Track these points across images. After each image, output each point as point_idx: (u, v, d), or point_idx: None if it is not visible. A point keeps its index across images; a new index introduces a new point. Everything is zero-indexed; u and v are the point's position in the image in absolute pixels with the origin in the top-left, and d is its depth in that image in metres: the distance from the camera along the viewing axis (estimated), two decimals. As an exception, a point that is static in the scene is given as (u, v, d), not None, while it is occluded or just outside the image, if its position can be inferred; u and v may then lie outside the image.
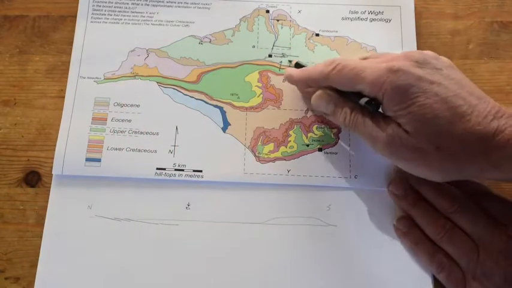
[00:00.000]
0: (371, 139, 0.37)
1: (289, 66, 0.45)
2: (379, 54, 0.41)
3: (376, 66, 0.36)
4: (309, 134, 0.44)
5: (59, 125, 0.44)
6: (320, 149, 0.43)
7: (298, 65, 0.44)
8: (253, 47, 0.47)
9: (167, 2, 0.48)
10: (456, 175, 0.35)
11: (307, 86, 0.42)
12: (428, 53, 0.37)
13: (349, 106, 0.38)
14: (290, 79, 0.43)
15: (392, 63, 0.35)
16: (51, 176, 0.42)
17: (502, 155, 0.33)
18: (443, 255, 0.38)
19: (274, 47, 0.47)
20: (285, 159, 0.43)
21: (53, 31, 0.47)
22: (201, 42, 0.47)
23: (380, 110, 0.37)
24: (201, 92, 0.45)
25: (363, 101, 0.37)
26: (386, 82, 0.35)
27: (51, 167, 0.42)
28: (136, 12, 0.48)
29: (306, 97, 0.44)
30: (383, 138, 0.36)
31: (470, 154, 0.33)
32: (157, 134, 0.43)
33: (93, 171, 0.42)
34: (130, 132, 0.44)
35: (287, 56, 0.46)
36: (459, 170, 0.34)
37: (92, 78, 0.45)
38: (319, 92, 0.40)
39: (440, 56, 0.37)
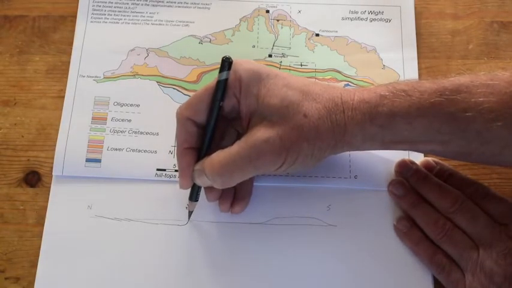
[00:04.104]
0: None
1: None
2: None
3: None
4: (309, 134, 0.43)
5: (59, 125, 0.44)
6: (320, 149, 0.43)
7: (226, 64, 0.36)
8: (253, 47, 0.47)
9: (167, 2, 0.48)
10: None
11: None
12: None
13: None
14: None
15: None
16: (51, 176, 0.42)
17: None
18: (443, 255, 0.38)
19: (274, 47, 0.47)
20: (285, 159, 0.43)
21: (53, 31, 0.47)
22: (201, 42, 0.47)
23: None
24: (201, 92, 0.45)
25: (218, 76, 0.36)
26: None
27: (51, 167, 0.42)
28: (136, 12, 0.48)
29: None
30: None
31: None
32: (157, 134, 0.43)
33: (93, 172, 0.42)
34: (130, 132, 0.44)
35: (287, 56, 0.46)
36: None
37: (92, 77, 0.45)
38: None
39: None
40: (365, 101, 0.35)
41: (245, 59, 0.37)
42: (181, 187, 0.38)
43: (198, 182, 0.37)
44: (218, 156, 0.35)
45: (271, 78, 0.35)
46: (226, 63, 0.36)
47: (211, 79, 0.45)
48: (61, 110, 0.44)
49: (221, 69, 0.36)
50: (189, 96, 0.45)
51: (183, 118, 0.36)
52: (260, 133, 0.34)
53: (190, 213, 0.40)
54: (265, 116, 0.35)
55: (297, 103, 0.34)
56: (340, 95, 0.35)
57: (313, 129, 0.34)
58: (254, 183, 0.41)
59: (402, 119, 0.34)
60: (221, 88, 0.36)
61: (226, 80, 0.36)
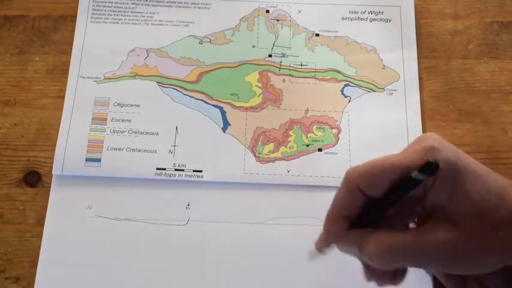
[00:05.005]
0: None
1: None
2: None
3: None
4: (309, 134, 0.44)
5: (59, 125, 0.44)
6: (320, 149, 0.43)
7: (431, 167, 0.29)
8: (253, 47, 0.47)
9: (167, 2, 0.48)
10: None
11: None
12: None
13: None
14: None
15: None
16: (51, 176, 0.42)
17: None
18: (444, 256, 0.38)
19: (274, 47, 0.47)
20: (284, 160, 0.43)
21: (53, 31, 0.47)
22: (201, 42, 0.47)
23: None
24: (201, 92, 0.45)
25: (415, 173, 0.29)
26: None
27: (51, 167, 0.42)
28: (136, 12, 0.48)
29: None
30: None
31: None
32: (157, 134, 0.43)
33: (93, 172, 0.42)
34: (130, 132, 0.44)
35: (287, 56, 0.46)
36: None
37: (92, 78, 0.45)
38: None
39: None
40: None
41: (446, 142, 0.31)
42: (317, 247, 0.34)
43: (346, 249, 0.33)
44: (388, 238, 0.31)
45: (469, 174, 0.31)
46: (432, 168, 0.29)
47: (211, 79, 0.46)
48: (61, 110, 0.44)
49: (423, 169, 0.29)
50: (189, 96, 0.45)
51: (354, 185, 0.32)
52: (441, 232, 0.30)
53: (310, 258, 0.35)
54: (451, 216, 0.30)
55: (488, 212, 0.30)
56: None
57: (496, 244, 0.30)
58: (254, 183, 0.41)
59: None
60: (412, 186, 0.30)
61: (420, 181, 0.30)
